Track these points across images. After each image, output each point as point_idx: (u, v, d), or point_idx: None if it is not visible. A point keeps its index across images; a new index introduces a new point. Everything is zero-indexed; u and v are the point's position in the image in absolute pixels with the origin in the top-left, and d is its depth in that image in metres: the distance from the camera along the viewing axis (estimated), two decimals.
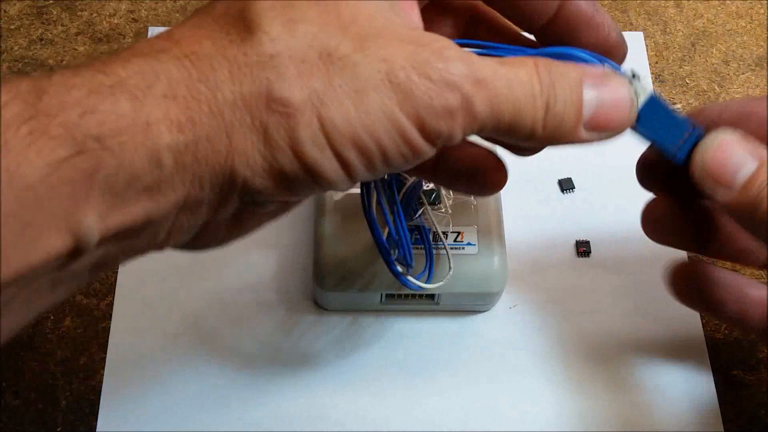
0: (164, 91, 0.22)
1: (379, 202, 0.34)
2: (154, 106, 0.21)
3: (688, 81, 0.49)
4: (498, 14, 0.30)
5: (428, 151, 0.24)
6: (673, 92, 0.48)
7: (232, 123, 0.22)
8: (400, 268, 0.35)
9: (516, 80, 0.24)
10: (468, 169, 0.31)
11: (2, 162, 0.20)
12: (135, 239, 0.23)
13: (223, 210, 0.24)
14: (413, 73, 0.23)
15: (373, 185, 0.34)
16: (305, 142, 0.23)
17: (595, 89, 0.26)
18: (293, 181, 0.23)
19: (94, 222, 0.21)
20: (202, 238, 0.26)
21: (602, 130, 0.26)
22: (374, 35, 0.23)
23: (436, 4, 0.29)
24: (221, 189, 0.23)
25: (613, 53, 0.29)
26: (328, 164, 0.23)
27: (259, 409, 0.38)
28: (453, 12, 0.30)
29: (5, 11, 0.50)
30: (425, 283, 0.36)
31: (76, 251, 0.21)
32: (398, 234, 0.34)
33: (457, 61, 0.24)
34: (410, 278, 0.35)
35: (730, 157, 0.28)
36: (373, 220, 0.34)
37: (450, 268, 0.37)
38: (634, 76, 0.28)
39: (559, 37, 0.29)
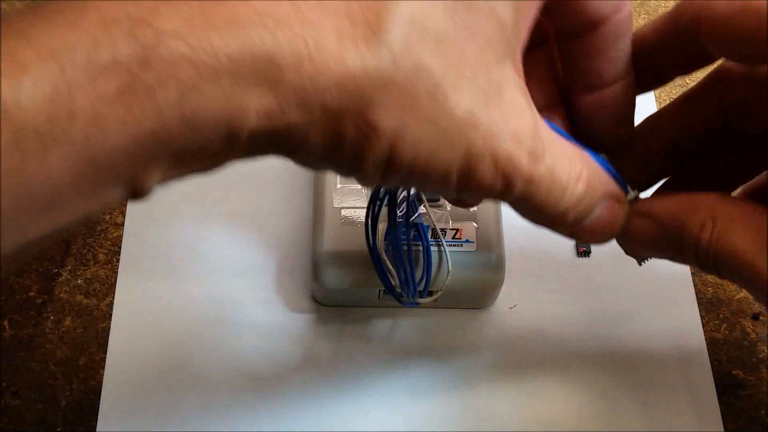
0: (269, 78, 0.21)
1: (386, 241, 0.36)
2: (254, 95, 0.21)
3: (688, 81, 0.49)
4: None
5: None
6: (673, 92, 0.48)
7: (317, 122, 0.22)
8: (398, 290, 0.36)
9: (558, 184, 0.26)
10: None
11: (86, 131, 0.19)
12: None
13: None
14: (487, 152, 0.24)
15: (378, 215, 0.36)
16: (368, 161, 0.23)
17: (601, 209, 0.28)
18: (333, 168, 0.25)
19: (155, 181, 0.22)
20: None
21: (579, 237, 0.29)
22: (483, 93, 0.24)
23: None
24: (268, 154, 0.24)
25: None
26: (373, 176, 0.24)
27: (258, 407, 0.38)
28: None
29: (5, 11, 0.50)
30: (421, 297, 0.36)
31: (130, 198, 0.22)
32: (407, 281, 0.36)
33: (526, 157, 0.25)
34: (410, 299, 0.36)
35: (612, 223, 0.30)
36: (377, 254, 0.36)
37: (449, 271, 0.37)
38: (636, 198, 0.30)
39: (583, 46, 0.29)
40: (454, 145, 0.23)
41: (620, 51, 0.29)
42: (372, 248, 0.36)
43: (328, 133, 0.22)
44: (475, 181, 0.24)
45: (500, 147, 0.24)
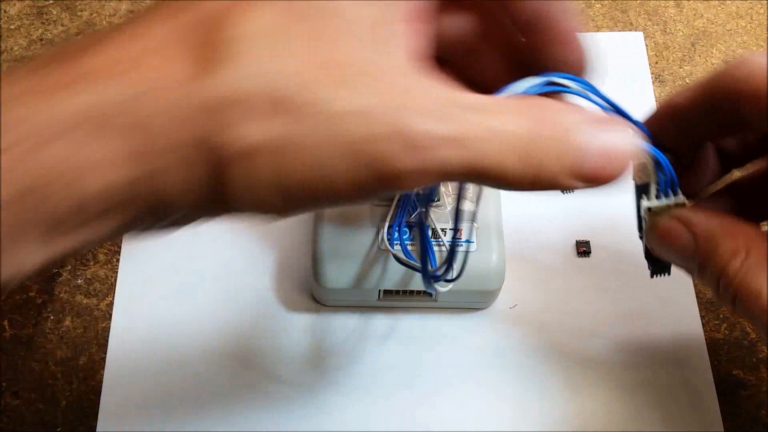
0: (111, 133, 0.21)
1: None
2: (100, 148, 0.21)
3: (688, 81, 0.49)
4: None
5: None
6: (674, 92, 0.48)
7: (176, 161, 0.21)
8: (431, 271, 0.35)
9: (501, 133, 0.23)
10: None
11: None
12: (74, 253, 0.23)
13: (160, 223, 0.24)
14: (390, 133, 0.22)
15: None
16: (244, 183, 0.22)
17: (588, 135, 0.24)
18: (224, 212, 0.23)
19: (30, 258, 0.21)
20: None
21: (589, 181, 0.24)
22: (368, 85, 0.22)
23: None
24: (157, 215, 0.23)
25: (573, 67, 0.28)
26: (273, 203, 0.23)
27: (258, 407, 0.38)
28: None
29: (5, 11, 0.50)
30: (443, 283, 0.35)
31: (8, 283, 0.22)
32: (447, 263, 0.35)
33: (439, 123, 0.22)
34: (438, 286, 0.35)
35: (675, 242, 0.30)
36: (425, 231, 0.36)
37: (455, 268, 0.37)
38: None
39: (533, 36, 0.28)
40: (352, 140, 0.22)
41: None
42: (422, 226, 0.36)
43: (193, 169, 0.21)
44: (396, 167, 0.22)
45: (405, 123, 0.22)
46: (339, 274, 0.38)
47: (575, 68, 0.28)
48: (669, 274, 0.33)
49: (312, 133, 0.21)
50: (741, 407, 0.39)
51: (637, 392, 0.39)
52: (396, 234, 0.37)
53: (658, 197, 0.30)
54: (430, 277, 0.35)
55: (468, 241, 0.38)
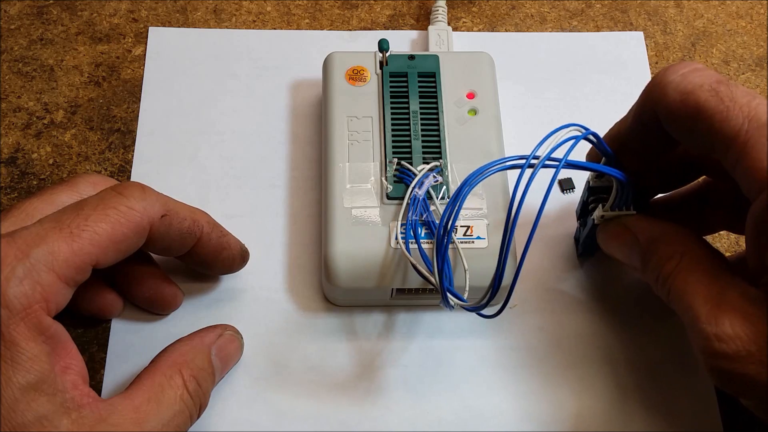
0: None
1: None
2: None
3: None
4: None
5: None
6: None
7: None
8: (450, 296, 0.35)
9: None
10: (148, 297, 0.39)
11: None
12: None
13: None
14: None
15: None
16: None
17: (218, 359, 0.36)
18: None
19: None
20: None
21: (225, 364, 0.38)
22: None
23: None
24: None
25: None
26: None
27: (263, 408, 0.38)
28: None
29: (5, 11, 0.50)
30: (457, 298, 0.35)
31: None
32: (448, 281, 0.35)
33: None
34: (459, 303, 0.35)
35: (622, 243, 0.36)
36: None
37: (465, 269, 0.37)
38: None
39: None
40: None
41: None
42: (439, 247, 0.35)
43: None
44: None
45: None
46: (351, 273, 0.38)
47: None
48: (592, 256, 0.42)
49: None
50: (741, 407, 0.39)
51: (636, 392, 0.39)
52: (410, 232, 0.37)
53: (612, 209, 0.36)
54: (448, 295, 0.34)
55: (479, 238, 0.38)
